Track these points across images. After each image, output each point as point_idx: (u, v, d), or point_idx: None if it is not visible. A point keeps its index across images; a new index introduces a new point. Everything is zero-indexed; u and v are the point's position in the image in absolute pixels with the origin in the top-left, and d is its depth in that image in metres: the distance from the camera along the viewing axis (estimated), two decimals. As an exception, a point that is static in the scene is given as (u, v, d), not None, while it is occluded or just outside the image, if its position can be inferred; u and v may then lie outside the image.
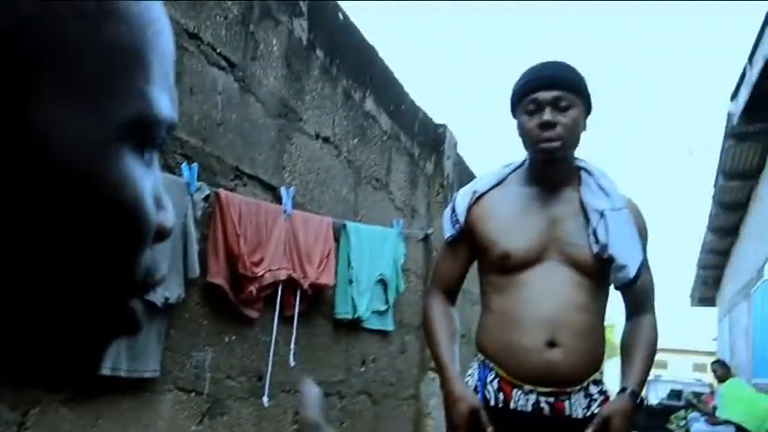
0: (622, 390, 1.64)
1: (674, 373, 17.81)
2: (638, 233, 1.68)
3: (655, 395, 11.53)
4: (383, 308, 3.62)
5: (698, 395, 9.17)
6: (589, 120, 1.70)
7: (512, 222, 1.68)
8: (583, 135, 1.69)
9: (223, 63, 2.41)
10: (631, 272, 1.63)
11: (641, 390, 1.65)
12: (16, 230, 0.27)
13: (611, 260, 1.62)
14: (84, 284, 0.30)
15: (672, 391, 11.30)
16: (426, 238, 4.39)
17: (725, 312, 12.00)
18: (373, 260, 3.46)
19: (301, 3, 2.94)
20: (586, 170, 1.73)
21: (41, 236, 0.28)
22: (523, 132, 1.66)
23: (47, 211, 0.28)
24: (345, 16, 3.36)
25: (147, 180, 0.31)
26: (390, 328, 3.77)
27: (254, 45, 2.60)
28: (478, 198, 1.75)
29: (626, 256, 1.63)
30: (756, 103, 7.09)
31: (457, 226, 1.74)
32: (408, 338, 4.18)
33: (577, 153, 1.72)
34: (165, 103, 0.31)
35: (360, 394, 3.56)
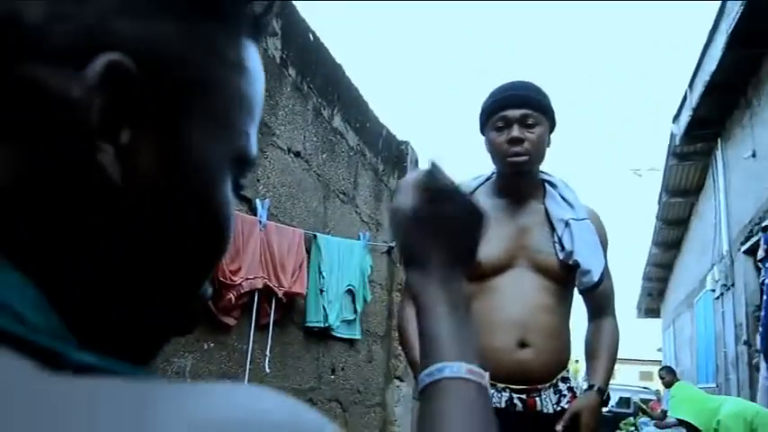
0: (590, 387, 1.72)
1: (622, 381, 18.32)
2: (600, 241, 1.77)
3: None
4: (351, 317, 3.73)
5: (646, 401, 9.50)
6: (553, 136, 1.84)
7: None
8: (547, 150, 1.79)
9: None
10: (595, 276, 1.71)
11: (606, 387, 1.75)
12: (141, 230, 0.32)
13: (576, 266, 1.70)
14: (175, 285, 0.34)
15: (621, 398, 11.64)
16: (390, 251, 4.53)
17: (669, 323, 12.47)
18: (342, 271, 3.58)
19: (274, 22, 3.06)
20: (550, 183, 1.83)
21: (159, 238, 0.33)
22: (493, 147, 1.74)
23: (170, 215, 0.33)
24: (315, 36, 3.49)
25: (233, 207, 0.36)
26: (358, 336, 3.88)
27: (231, 62, 2.71)
28: None
29: (589, 261, 1.71)
30: (696, 124, 7.51)
31: None
32: (375, 348, 4.29)
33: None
34: (255, 146, 0.38)
35: (330, 401, 3.64)
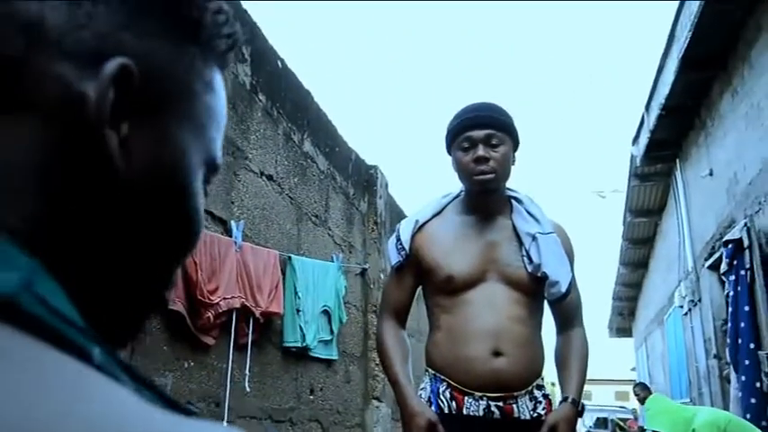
0: (564, 399, 1.74)
1: (599, 401, 18.38)
2: (566, 253, 1.84)
3: (581, 424, 11.94)
4: (328, 337, 3.77)
5: (623, 420, 9.56)
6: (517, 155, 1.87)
7: (453, 248, 1.80)
8: (513, 168, 1.84)
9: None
10: (563, 287, 1.78)
11: (580, 397, 1.76)
12: (126, 224, 0.37)
13: (544, 277, 1.76)
14: (153, 271, 0.40)
15: (598, 419, 11.71)
16: (363, 273, 4.59)
17: (641, 341, 12.63)
18: (317, 291, 3.63)
19: (244, 49, 3.17)
20: (517, 199, 1.89)
21: (147, 217, 0.38)
22: (459, 167, 1.80)
23: (156, 198, 0.38)
24: (284, 63, 3.60)
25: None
26: (335, 356, 3.91)
27: (203, 88, 2.79)
28: (420, 227, 1.87)
29: (557, 273, 1.77)
30: (655, 146, 7.77)
31: (402, 253, 1.85)
32: (352, 368, 4.32)
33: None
34: (220, 155, 0.45)
35: (310, 421, 3.65)
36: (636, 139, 8.26)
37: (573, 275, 1.86)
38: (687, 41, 5.71)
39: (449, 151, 1.86)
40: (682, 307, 8.27)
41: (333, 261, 3.99)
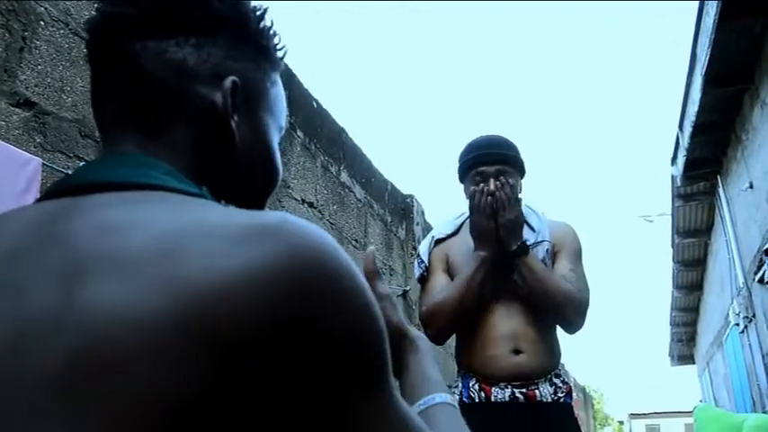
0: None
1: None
2: (567, 250, 2.00)
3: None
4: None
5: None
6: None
7: None
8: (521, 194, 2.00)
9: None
10: None
11: (528, 251, 1.88)
12: (241, 167, 0.63)
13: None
14: (254, 191, 0.67)
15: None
16: (405, 295, 4.87)
17: (703, 367, 12.23)
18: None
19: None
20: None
21: (250, 164, 0.64)
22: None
23: (254, 154, 0.65)
24: (318, 103, 4.03)
25: None
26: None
27: (247, 126, 3.22)
28: (439, 242, 2.06)
29: None
30: (693, 165, 7.78)
31: (422, 265, 2.05)
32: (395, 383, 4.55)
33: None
34: (285, 122, 0.71)
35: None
36: (674, 160, 8.26)
37: (579, 269, 2.00)
38: (707, 58, 5.86)
39: (461, 180, 2.06)
40: (738, 325, 8.11)
41: (374, 282, 4.29)
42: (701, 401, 14.62)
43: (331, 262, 0.45)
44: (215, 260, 0.41)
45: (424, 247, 2.08)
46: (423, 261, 2.06)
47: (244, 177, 0.63)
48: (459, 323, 1.95)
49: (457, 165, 2.08)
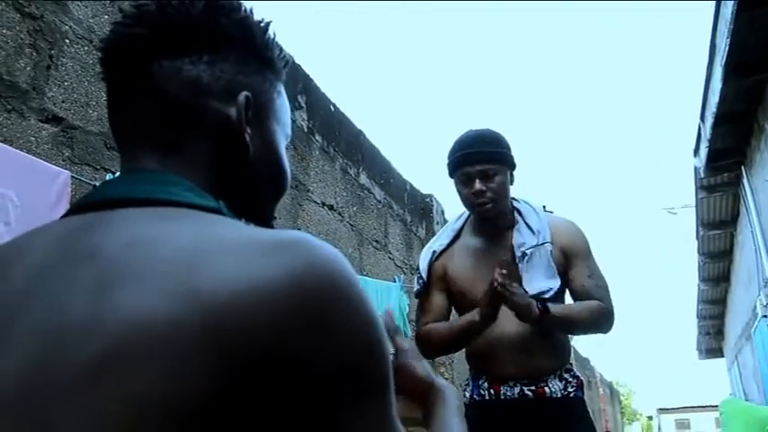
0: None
1: (698, 429, 17.33)
2: (572, 250, 1.99)
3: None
4: (394, 350, 4.08)
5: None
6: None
7: (474, 276, 1.98)
8: (513, 186, 2.01)
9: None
10: (551, 292, 1.92)
11: (550, 312, 1.82)
12: (253, 176, 0.66)
13: (536, 295, 1.87)
14: (265, 197, 0.71)
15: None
16: (427, 293, 4.91)
17: (732, 360, 12.07)
18: (381, 309, 3.98)
19: (300, 98, 3.66)
20: (519, 210, 2.05)
21: (260, 172, 0.67)
22: (461, 198, 2.01)
23: (264, 162, 0.67)
24: (336, 107, 4.08)
25: None
26: (403, 368, 4.21)
27: (267, 132, 3.28)
28: (440, 254, 2.06)
29: (545, 284, 1.92)
30: (716, 156, 7.70)
31: (420, 281, 2.06)
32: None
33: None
34: (290, 130, 0.73)
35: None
36: (696, 151, 8.19)
37: (592, 263, 2.00)
38: (727, 48, 5.80)
39: (450, 177, 2.04)
40: (766, 317, 8.01)
41: (395, 282, 4.35)
42: (731, 395, 14.44)
43: (342, 281, 0.49)
44: (230, 273, 0.45)
45: (423, 263, 2.08)
46: (421, 277, 2.06)
47: (257, 187, 0.67)
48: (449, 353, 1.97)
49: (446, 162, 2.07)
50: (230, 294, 0.44)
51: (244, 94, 0.62)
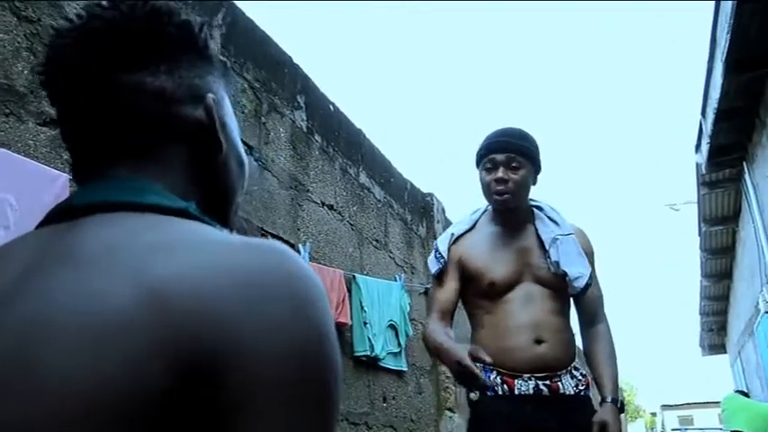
0: (604, 400, 1.90)
1: (701, 425, 17.27)
2: (585, 252, 2.06)
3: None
4: (396, 349, 4.09)
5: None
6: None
7: (491, 257, 2.03)
8: (535, 189, 2.08)
9: (244, 148, 3.07)
10: (582, 281, 2.00)
11: (617, 394, 1.92)
12: (224, 167, 0.68)
13: (565, 274, 1.98)
14: (229, 189, 0.72)
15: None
16: (427, 292, 4.91)
17: (735, 356, 12.07)
18: (382, 307, 3.98)
19: (299, 98, 3.65)
20: (539, 207, 2.13)
21: (226, 167, 0.69)
22: (482, 185, 2.05)
23: (230, 157, 0.69)
24: (335, 107, 4.08)
25: None
26: (405, 368, 4.22)
27: (265, 133, 3.28)
28: (457, 239, 2.11)
29: (576, 270, 2.00)
30: (718, 152, 7.68)
31: (441, 260, 2.08)
32: (423, 381, 4.60)
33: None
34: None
35: (386, 427, 3.95)
36: (698, 147, 8.17)
37: (594, 273, 2.07)
38: (728, 43, 5.78)
39: (477, 166, 2.10)
40: (768, 312, 8.01)
41: (396, 281, 4.35)
42: (735, 391, 14.38)
43: (301, 289, 0.49)
44: (183, 264, 0.47)
45: (443, 244, 2.12)
46: (441, 256, 2.10)
47: (230, 180, 0.70)
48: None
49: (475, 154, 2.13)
50: (177, 276, 0.46)
51: (210, 96, 0.65)
